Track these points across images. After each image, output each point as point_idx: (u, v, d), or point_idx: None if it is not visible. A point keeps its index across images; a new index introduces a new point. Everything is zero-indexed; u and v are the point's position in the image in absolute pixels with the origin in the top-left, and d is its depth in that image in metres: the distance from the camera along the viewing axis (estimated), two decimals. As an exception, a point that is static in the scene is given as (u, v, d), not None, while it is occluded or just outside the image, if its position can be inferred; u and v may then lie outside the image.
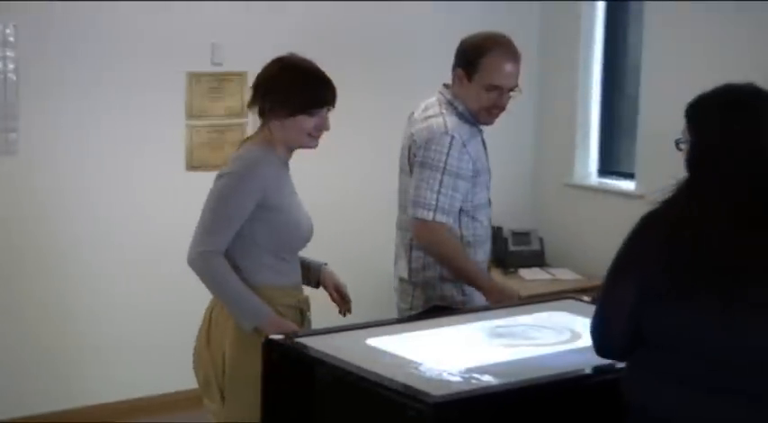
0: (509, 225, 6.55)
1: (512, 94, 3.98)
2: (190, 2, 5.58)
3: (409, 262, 4.00)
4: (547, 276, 6.10)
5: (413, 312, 3.94)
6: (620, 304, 2.73)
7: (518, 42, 6.76)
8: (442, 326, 3.47)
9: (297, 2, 5.85)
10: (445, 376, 2.93)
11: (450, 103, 3.97)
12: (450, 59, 3.92)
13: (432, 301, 3.96)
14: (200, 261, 3.47)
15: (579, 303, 3.78)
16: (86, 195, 5.51)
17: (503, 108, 4.01)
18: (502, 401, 2.83)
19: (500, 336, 3.38)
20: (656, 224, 2.74)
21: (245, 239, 3.51)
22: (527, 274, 6.25)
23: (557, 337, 3.37)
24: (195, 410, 5.57)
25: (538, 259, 6.49)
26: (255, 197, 3.47)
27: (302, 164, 3.76)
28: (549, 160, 6.74)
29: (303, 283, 3.71)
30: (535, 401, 2.89)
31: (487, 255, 4.13)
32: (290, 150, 3.62)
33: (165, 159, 5.68)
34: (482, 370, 2.97)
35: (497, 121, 6.05)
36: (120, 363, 5.68)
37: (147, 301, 5.71)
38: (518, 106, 6.56)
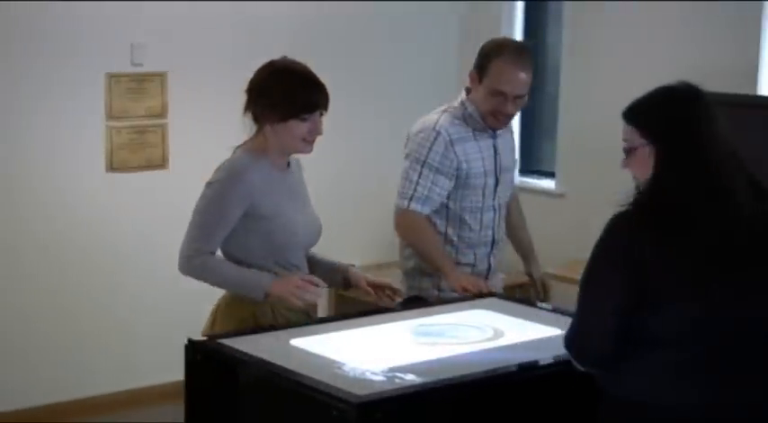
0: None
1: (519, 101, 3.98)
2: (109, 2, 5.53)
3: (401, 250, 4.15)
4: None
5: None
6: (608, 306, 2.74)
7: (438, 43, 6.84)
8: (366, 325, 3.47)
9: (217, 2, 5.82)
10: (368, 376, 2.93)
11: (461, 104, 4.07)
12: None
13: (412, 291, 4.06)
14: (187, 265, 3.52)
15: (502, 301, 3.81)
16: (5, 196, 5.43)
17: (508, 114, 4.02)
18: (425, 400, 2.84)
19: (423, 334, 3.39)
20: (634, 224, 2.75)
21: (242, 249, 3.52)
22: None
23: (480, 335, 3.39)
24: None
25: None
26: (242, 205, 3.47)
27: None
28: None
29: (328, 285, 3.71)
30: (459, 400, 2.90)
31: (483, 260, 4.12)
32: (286, 155, 3.60)
33: (85, 160, 5.62)
34: (405, 369, 2.98)
35: (418, 117, 6.09)
36: (43, 364, 5.63)
37: (68, 301, 5.65)
38: (439, 104, 6.64)
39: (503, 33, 6.53)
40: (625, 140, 2.86)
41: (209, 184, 3.55)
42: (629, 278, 2.72)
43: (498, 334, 3.40)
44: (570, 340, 2.84)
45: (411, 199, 3.97)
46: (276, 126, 3.50)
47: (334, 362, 3.05)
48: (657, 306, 2.72)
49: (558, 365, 3.08)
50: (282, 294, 3.41)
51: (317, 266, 3.71)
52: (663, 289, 2.71)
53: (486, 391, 2.95)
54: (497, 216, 4.13)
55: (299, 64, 3.60)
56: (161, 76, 5.72)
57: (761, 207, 2.78)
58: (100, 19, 5.55)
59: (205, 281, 3.53)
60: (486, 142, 4.07)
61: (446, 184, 3.99)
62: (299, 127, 3.49)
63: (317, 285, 3.43)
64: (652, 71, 5.67)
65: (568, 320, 3.50)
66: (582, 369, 2.86)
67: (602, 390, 2.85)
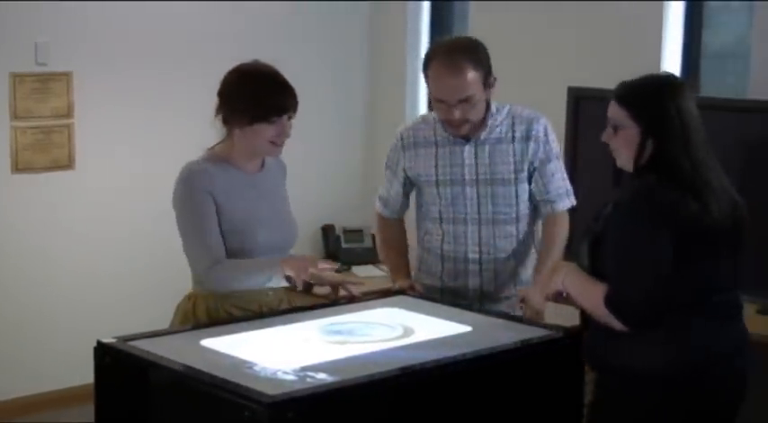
0: (341, 223, 6.60)
1: (466, 105, 3.75)
2: (12, 1, 5.44)
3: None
4: (379, 273, 6.14)
5: None
6: (654, 265, 2.98)
7: (346, 42, 6.84)
8: (276, 325, 3.47)
9: (122, 1, 5.76)
10: (280, 375, 2.94)
11: None
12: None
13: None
14: (209, 281, 3.53)
15: (411, 299, 3.83)
16: None
17: (458, 120, 3.78)
18: (337, 399, 2.86)
19: (334, 333, 3.40)
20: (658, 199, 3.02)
21: None
22: (360, 271, 6.29)
23: (389, 333, 3.41)
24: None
25: (371, 256, 6.54)
26: (209, 199, 3.50)
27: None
28: (378, 158, 6.77)
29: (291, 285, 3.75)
30: (370, 399, 2.92)
31: (462, 276, 3.93)
32: (254, 158, 3.63)
33: (-11, 162, 5.54)
34: (316, 368, 2.99)
35: (326, 117, 6.10)
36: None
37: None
38: (348, 103, 6.67)
39: (408, 34, 6.57)
40: (612, 118, 3.15)
41: (174, 203, 3.56)
42: (672, 236, 2.99)
43: (408, 332, 3.42)
44: (616, 299, 3.01)
45: (379, 197, 4.12)
46: (245, 129, 3.53)
47: (244, 362, 3.06)
48: (695, 266, 3.03)
49: (469, 363, 3.12)
50: (293, 272, 3.49)
51: None
52: (697, 250, 3.01)
53: (398, 389, 2.98)
54: (474, 231, 3.89)
55: (267, 67, 3.61)
56: (66, 76, 5.65)
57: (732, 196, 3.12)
58: (2, 17, 5.47)
59: (231, 287, 3.55)
60: (450, 149, 3.88)
61: (397, 187, 4.03)
62: (266, 130, 3.51)
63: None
64: (555, 71, 5.76)
65: (479, 318, 3.58)
66: (624, 329, 3.03)
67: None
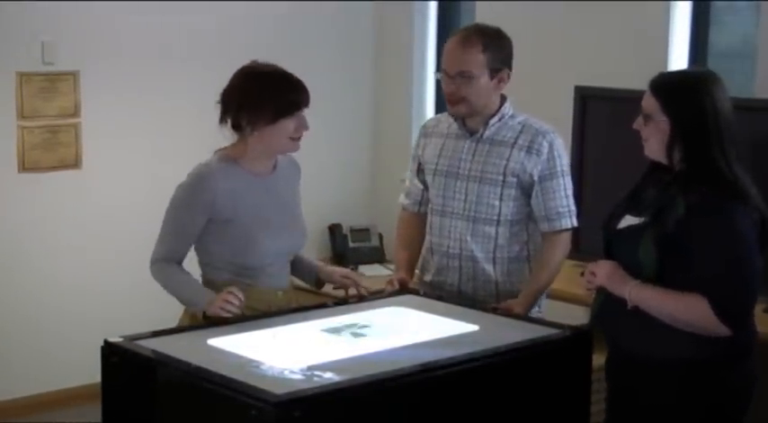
0: (348, 222, 6.60)
1: (461, 81, 3.75)
2: (18, 0, 5.45)
3: None
4: (387, 272, 6.12)
5: None
6: (759, 265, 3.05)
7: (353, 41, 6.84)
8: (283, 324, 3.48)
9: (130, 1, 5.77)
10: (287, 374, 2.94)
11: None
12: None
13: None
14: (151, 270, 3.57)
15: (419, 298, 3.83)
16: None
17: (453, 96, 3.79)
18: (344, 398, 2.86)
19: (341, 332, 3.40)
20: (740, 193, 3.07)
21: (204, 252, 3.60)
22: (367, 270, 6.29)
23: (397, 332, 3.41)
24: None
25: (377, 256, 6.55)
26: (203, 212, 3.50)
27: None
28: (386, 157, 6.80)
29: (306, 282, 3.83)
30: (377, 397, 2.92)
31: (451, 273, 3.90)
32: (271, 158, 3.63)
33: (-4, 161, 5.55)
34: (323, 367, 2.99)
35: (333, 116, 6.08)
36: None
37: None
38: (355, 103, 6.68)
39: (415, 34, 6.58)
40: (644, 107, 3.13)
41: (177, 187, 3.57)
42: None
43: (414, 331, 3.42)
44: (728, 305, 2.99)
45: (405, 188, 4.13)
46: (264, 129, 3.52)
47: (251, 361, 3.06)
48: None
49: (476, 362, 3.12)
50: (215, 313, 3.43)
51: (294, 267, 3.76)
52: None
53: (404, 388, 2.97)
54: (456, 225, 3.87)
55: (272, 65, 3.63)
56: (73, 75, 5.66)
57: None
58: (9, 17, 5.48)
59: (163, 288, 3.57)
60: (455, 142, 3.91)
61: (414, 174, 4.07)
62: (288, 125, 3.53)
63: (235, 299, 3.43)
64: (562, 70, 5.76)
65: (486, 317, 3.57)
66: (729, 334, 3.02)
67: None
